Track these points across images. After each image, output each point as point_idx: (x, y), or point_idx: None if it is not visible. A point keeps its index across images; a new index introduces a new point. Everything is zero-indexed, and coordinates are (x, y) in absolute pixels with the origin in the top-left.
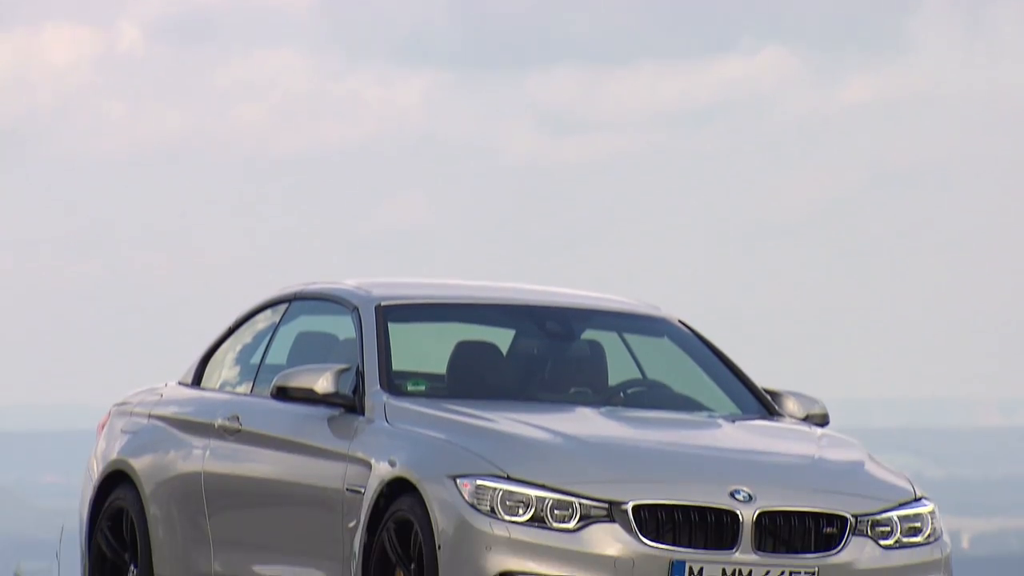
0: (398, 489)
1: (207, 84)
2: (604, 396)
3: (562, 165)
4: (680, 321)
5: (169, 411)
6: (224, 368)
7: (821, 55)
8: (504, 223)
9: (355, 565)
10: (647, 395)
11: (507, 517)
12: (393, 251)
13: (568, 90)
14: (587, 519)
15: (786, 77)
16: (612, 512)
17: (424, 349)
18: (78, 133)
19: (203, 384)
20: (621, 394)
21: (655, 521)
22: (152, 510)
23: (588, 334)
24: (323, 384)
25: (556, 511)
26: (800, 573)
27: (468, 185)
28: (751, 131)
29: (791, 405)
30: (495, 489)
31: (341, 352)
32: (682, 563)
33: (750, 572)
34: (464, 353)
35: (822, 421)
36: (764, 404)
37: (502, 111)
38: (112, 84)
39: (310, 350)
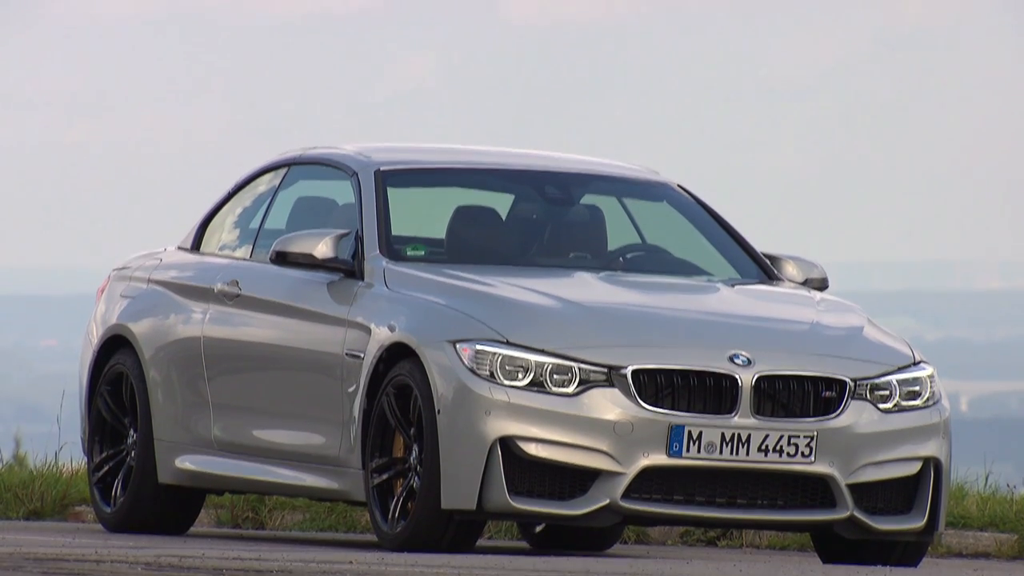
0: (397, 354)
1: None
2: (603, 261)
3: (566, 24)
4: (679, 185)
5: (168, 276)
6: (223, 232)
7: None
8: (508, 87)
9: (354, 429)
10: (646, 260)
11: (506, 382)
12: (397, 117)
13: None
14: (586, 384)
15: None
16: (611, 377)
17: (423, 214)
18: None
19: (202, 249)
20: (620, 259)
21: (654, 385)
22: (152, 375)
23: (587, 199)
24: (322, 249)
25: (555, 376)
26: (799, 437)
27: (471, 47)
28: None
29: (790, 269)
30: (494, 354)
31: (340, 217)
32: (681, 427)
33: (749, 436)
34: (463, 218)
35: (821, 285)
36: (763, 268)
37: None
38: None
39: (309, 215)
